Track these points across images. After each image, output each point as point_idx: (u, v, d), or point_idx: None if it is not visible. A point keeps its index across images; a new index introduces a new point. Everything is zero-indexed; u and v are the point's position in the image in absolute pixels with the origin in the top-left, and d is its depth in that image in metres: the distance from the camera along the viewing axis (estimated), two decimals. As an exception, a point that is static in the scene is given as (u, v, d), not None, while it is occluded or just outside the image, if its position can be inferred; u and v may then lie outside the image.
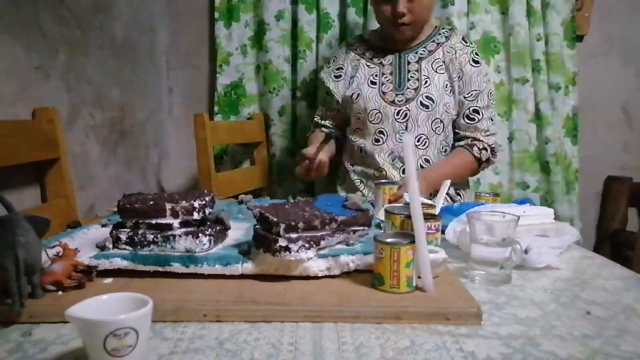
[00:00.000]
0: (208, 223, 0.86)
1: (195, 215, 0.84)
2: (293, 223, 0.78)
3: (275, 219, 0.79)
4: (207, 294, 0.73)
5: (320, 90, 1.72)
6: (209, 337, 0.65)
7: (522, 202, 1.18)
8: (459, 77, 1.49)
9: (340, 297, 0.73)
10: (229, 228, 0.94)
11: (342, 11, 1.95)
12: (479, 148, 1.49)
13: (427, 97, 1.46)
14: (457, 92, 1.49)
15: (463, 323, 0.68)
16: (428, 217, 0.91)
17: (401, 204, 1.06)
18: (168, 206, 0.83)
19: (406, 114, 1.46)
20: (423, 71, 1.48)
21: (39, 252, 0.71)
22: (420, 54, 1.51)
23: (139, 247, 0.82)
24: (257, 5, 1.95)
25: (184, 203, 0.83)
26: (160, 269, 0.80)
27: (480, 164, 1.52)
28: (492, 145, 1.51)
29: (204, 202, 0.85)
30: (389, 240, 0.75)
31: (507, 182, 1.98)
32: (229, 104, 2.00)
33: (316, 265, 0.79)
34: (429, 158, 1.48)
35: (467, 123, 1.50)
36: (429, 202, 1.08)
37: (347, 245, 0.85)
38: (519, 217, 0.85)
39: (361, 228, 0.89)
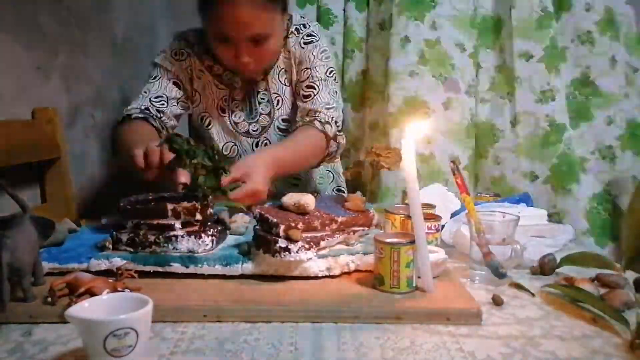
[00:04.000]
0: (209, 223, 0.86)
1: (197, 216, 0.84)
2: (293, 224, 0.78)
3: (275, 220, 0.79)
4: (207, 294, 0.73)
5: (161, 76, 1.30)
6: (209, 337, 0.65)
7: (518, 200, 1.17)
8: (297, 65, 1.31)
9: (340, 297, 0.73)
10: (230, 228, 0.94)
11: (345, 7, 1.92)
12: (320, 122, 1.24)
13: (282, 120, 1.32)
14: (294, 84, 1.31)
15: (463, 323, 0.68)
16: (428, 217, 0.91)
17: (401, 204, 1.06)
18: (170, 207, 0.83)
19: (266, 144, 1.33)
20: (272, 88, 1.31)
21: (32, 255, 0.70)
22: (266, 70, 1.31)
23: (140, 248, 0.82)
24: None
25: (185, 204, 0.83)
26: (160, 269, 0.80)
27: (328, 140, 1.26)
28: (336, 120, 1.27)
29: (205, 202, 0.85)
30: (389, 240, 0.75)
31: (511, 173, 1.81)
32: None
33: (316, 265, 0.79)
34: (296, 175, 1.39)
35: (304, 102, 1.28)
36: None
37: (347, 246, 0.85)
38: (519, 217, 0.85)
39: (361, 228, 0.89)
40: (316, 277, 0.79)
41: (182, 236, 0.82)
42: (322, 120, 1.24)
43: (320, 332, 0.66)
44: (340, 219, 0.84)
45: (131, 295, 0.64)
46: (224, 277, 0.79)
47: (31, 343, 0.63)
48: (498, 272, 0.80)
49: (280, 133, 1.32)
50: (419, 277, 0.75)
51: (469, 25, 1.79)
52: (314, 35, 1.31)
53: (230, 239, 0.91)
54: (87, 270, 0.78)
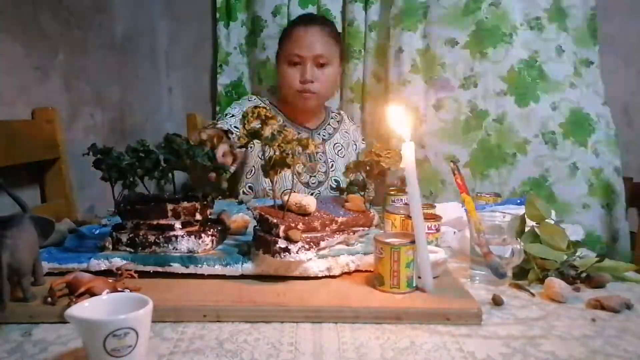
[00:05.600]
0: (209, 223, 0.86)
1: (197, 216, 0.84)
2: (293, 225, 0.78)
3: (275, 221, 0.79)
4: (207, 294, 0.73)
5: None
6: (209, 337, 0.65)
7: (520, 202, 1.17)
8: (357, 156, 1.64)
9: (340, 297, 0.73)
10: (230, 228, 0.94)
11: (344, 7, 1.93)
12: None
13: (335, 180, 1.55)
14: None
15: (463, 323, 0.68)
16: (428, 217, 0.91)
17: (401, 204, 1.06)
18: (169, 207, 0.83)
19: (317, 197, 1.42)
20: (328, 154, 1.57)
21: (32, 255, 0.70)
22: (323, 136, 1.60)
23: (140, 248, 0.82)
24: (254, 3, 1.93)
25: (185, 204, 0.83)
26: (160, 269, 0.80)
27: None
28: None
29: (205, 202, 0.85)
30: (389, 240, 0.75)
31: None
32: (230, 103, 2.00)
33: (316, 265, 0.79)
34: None
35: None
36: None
37: (347, 246, 0.85)
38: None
39: (361, 228, 0.89)
40: (316, 277, 0.79)
41: (182, 236, 0.82)
42: None
43: (320, 332, 0.66)
44: (340, 220, 0.84)
45: (131, 295, 0.64)
46: (224, 277, 0.79)
47: (31, 343, 0.63)
48: (498, 272, 0.80)
49: (331, 191, 1.55)
50: (419, 277, 0.75)
51: None
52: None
53: (230, 239, 0.91)
54: (87, 271, 0.78)
